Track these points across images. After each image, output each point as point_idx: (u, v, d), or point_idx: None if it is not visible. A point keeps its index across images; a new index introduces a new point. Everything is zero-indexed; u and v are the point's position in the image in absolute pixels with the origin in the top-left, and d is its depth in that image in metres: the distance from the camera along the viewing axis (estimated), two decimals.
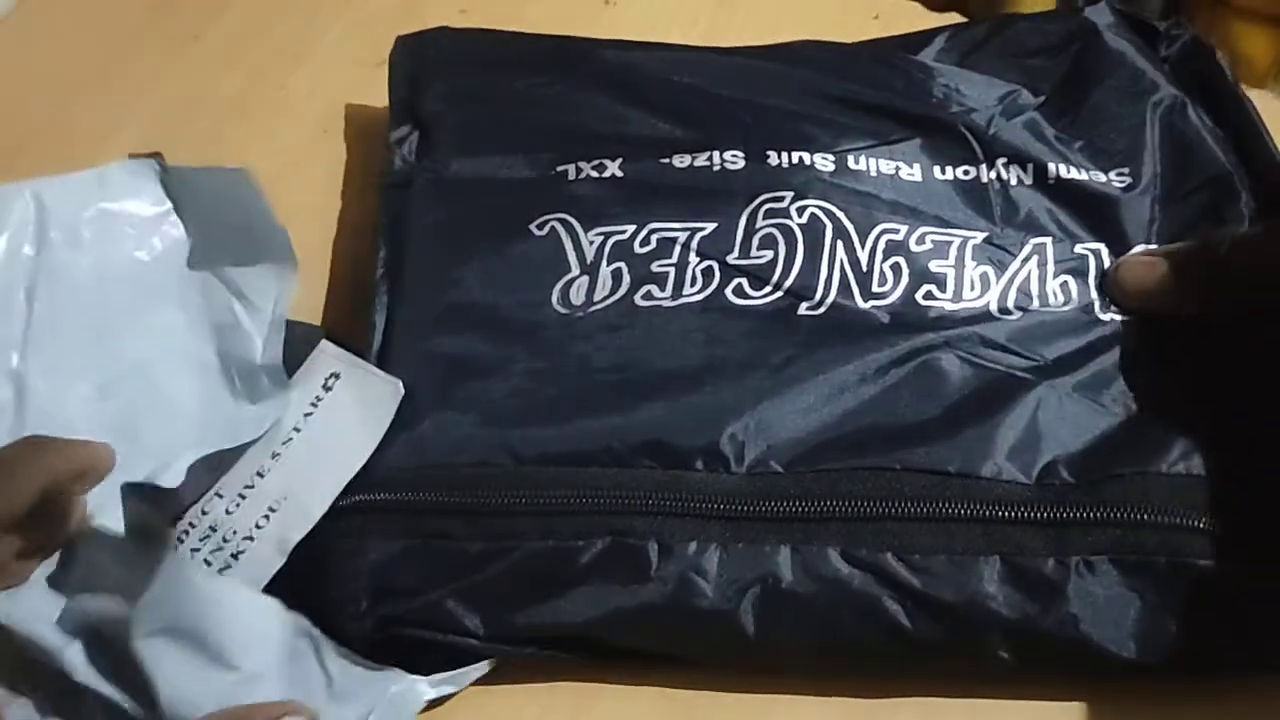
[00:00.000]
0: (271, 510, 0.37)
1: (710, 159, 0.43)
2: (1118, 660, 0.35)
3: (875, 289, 0.40)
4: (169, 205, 0.44)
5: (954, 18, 0.56)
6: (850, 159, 0.43)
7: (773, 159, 0.43)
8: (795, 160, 0.43)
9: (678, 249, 0.41)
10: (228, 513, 0.37)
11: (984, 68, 0.46)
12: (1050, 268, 0.41)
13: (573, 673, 0.37)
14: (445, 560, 0.36)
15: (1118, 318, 0.40)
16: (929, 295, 0.40)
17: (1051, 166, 0.43)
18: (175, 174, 0.44)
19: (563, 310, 0.40)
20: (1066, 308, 0.41)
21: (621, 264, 0.41)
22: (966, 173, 0.44)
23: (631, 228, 0.42)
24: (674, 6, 0.56)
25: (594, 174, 0.43)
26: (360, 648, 0.35)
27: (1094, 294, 0.41)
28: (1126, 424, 0.38)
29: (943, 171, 0.44)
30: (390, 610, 0.35)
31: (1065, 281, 0.41)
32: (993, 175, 0.43)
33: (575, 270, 0.41)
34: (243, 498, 0.38)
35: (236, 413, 0.40)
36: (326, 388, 0.39)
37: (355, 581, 0.35)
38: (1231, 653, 0.36)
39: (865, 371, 0.38)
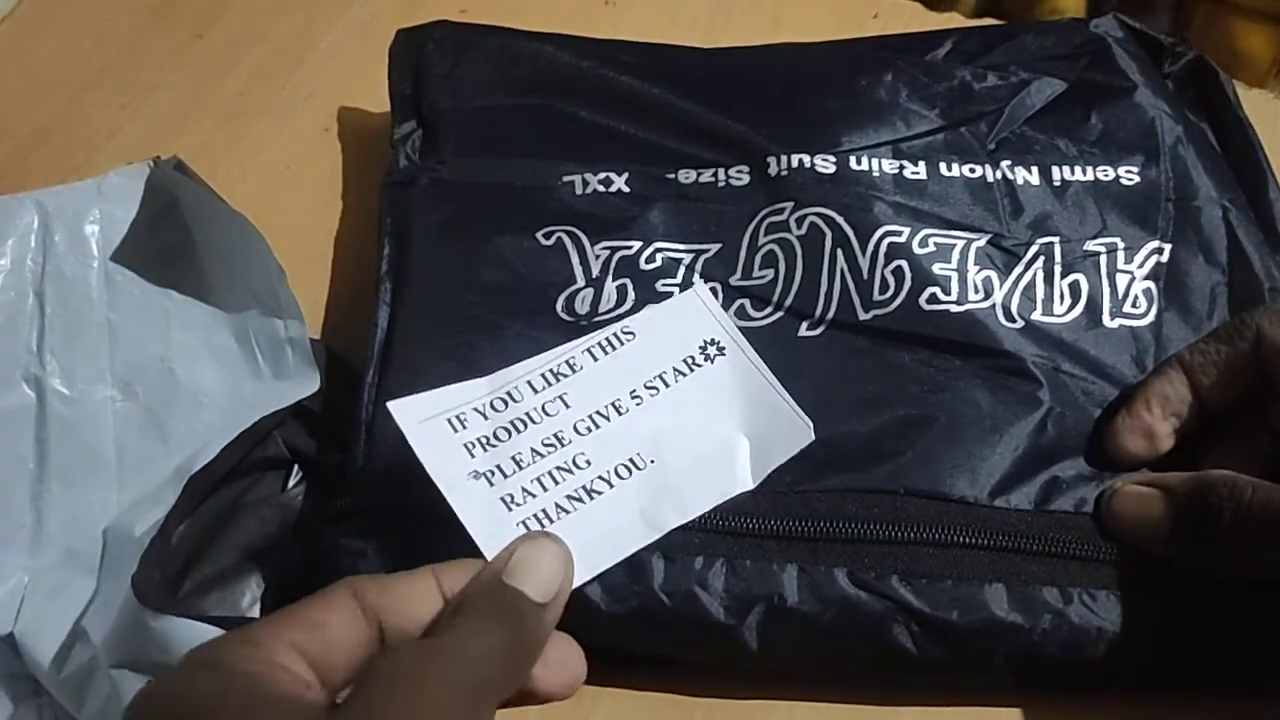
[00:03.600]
0: (634, 465, 0.36)
1: (716, 175, 0.43)
2: (1121, 683, 0.36)
3: (876, 297, 0.40)
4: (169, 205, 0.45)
5: (954, 18, 0.56)
6: (852, 160, 0.43)
7: (772, 167, 0.43)
8: (795, 164, 0.43)
9: (682, 269, 0.41)
10: (577, 430, 0.36)
11: (992, 72, 0.46)
12: (1058, 269, 0.41)
13: None
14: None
15: (1126, 323, 0.40)
16: (932, 299, 0.40)
17: (1057, 169, 0.43)
18: (166, 173, 0.45)
19: (567, 319, 0.40)
20: (1071, 314, 0.40)
21: (627, 280, 0.41)
22: (973, 170, 0.43)
23: (638, 244, 0.42)
24: (674, 6, 0.56)
25: (600, 188, 0.43)
26: None
27: (1104, 296, 0.41)
28: None
29: (949, 169, 0.43)
30: None
31: (1075, 282, 0.41)
32: (998, 175, 0.43)
33: (581, 281, 0.41)
34: (594, 424, 0.36)
35: (264, 391, 0.41)
36: (706, 355, 0.38)
37: None
38: (1233, 676, 0.36)
39: (864, 392, 0.38)
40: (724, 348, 0.38)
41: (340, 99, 0.53)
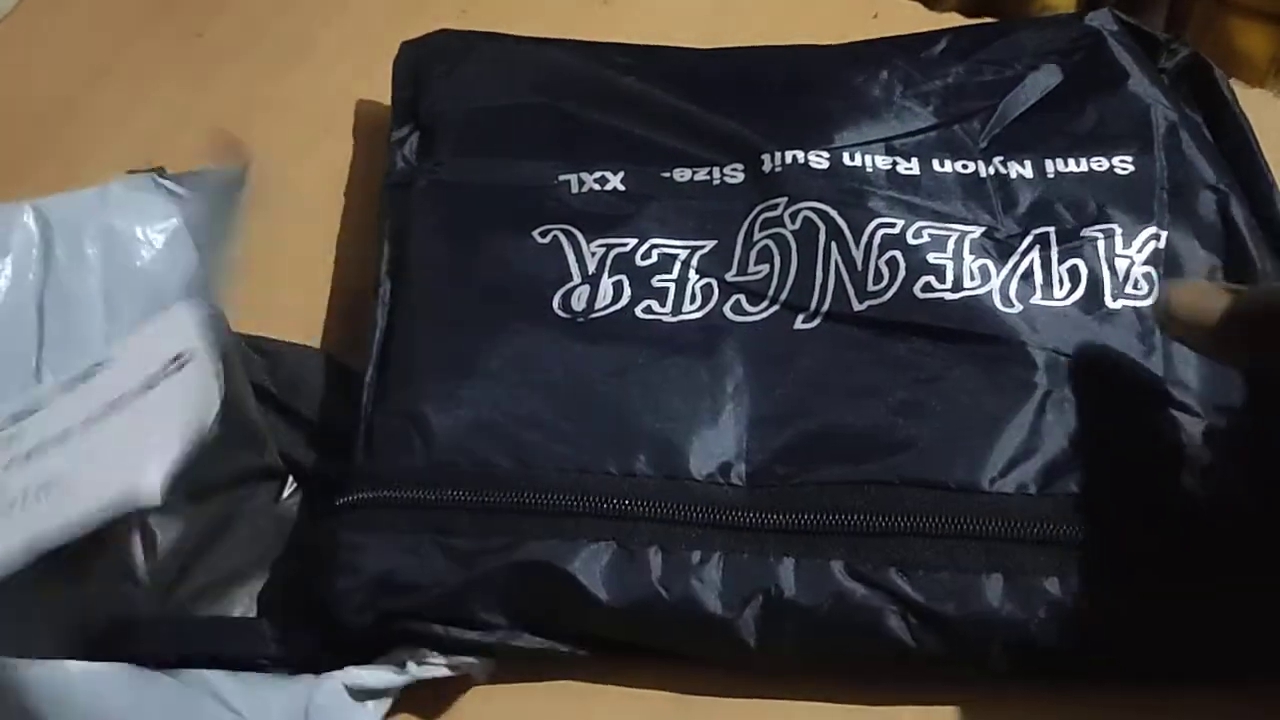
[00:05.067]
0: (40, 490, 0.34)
1: (711, 173, 0.44)
2: (1124, 672, 0.36)
3: (871, 287, 0.40)
4: (171, 219, 0.45)
5: (954, 18, 0.56)
6: (845, 155, 0.43)
7: (766, 163, 0.43)
8: (789, 160, 0.43)
9: (678, 265, 0.41)
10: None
11: (987, 68, 0.46)
12: (1054, 255, 0.41)
13: (574, 672, 0.38)
14: (447, 557, 0.36)
15: (1129, 304, 0.40)
16: (927, 288, 0.40)
17: (1050, 162, 0.43)
18: (178, 181, 0.45)
19: (564, 315, 0.40)
20: (1071, 298, 0.40)
21: (623, 276, 0.41)
22: (965, 167, 0.43)
23: (634, 241, 0.42)
24: (672, 6, 0.56)
25: (596, 186, 0.43)
26: (359, 641, 0.36)
27: (1104, 278, 0.40)
28: (1137, 424, 0.38)
29: (941, 165, 0.43)
30: (391, 605, 0.35)
31: (1074, 266, 0.41)
32: (991, 171, 0.43)
33: (577, 279, 0.41)
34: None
35: None
36: (179, 364, 0.36)
37: (357, 575, 0.35)
38: (1240, 662, 0.36)
39: (861, 383, 0.38)
40: (188, 356, 0.36)
41: (340, 99, 0.53)
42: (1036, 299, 0.40)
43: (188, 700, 0.33)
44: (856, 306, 0.40)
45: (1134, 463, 0.37)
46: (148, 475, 0.33)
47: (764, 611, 0.35)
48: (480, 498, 0.36)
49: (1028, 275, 0.40)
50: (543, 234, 0.42)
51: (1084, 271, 0.41)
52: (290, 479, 0.41)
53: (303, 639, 0.36)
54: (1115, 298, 0.40)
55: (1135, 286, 0.40)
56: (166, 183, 0.45)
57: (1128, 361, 0.39)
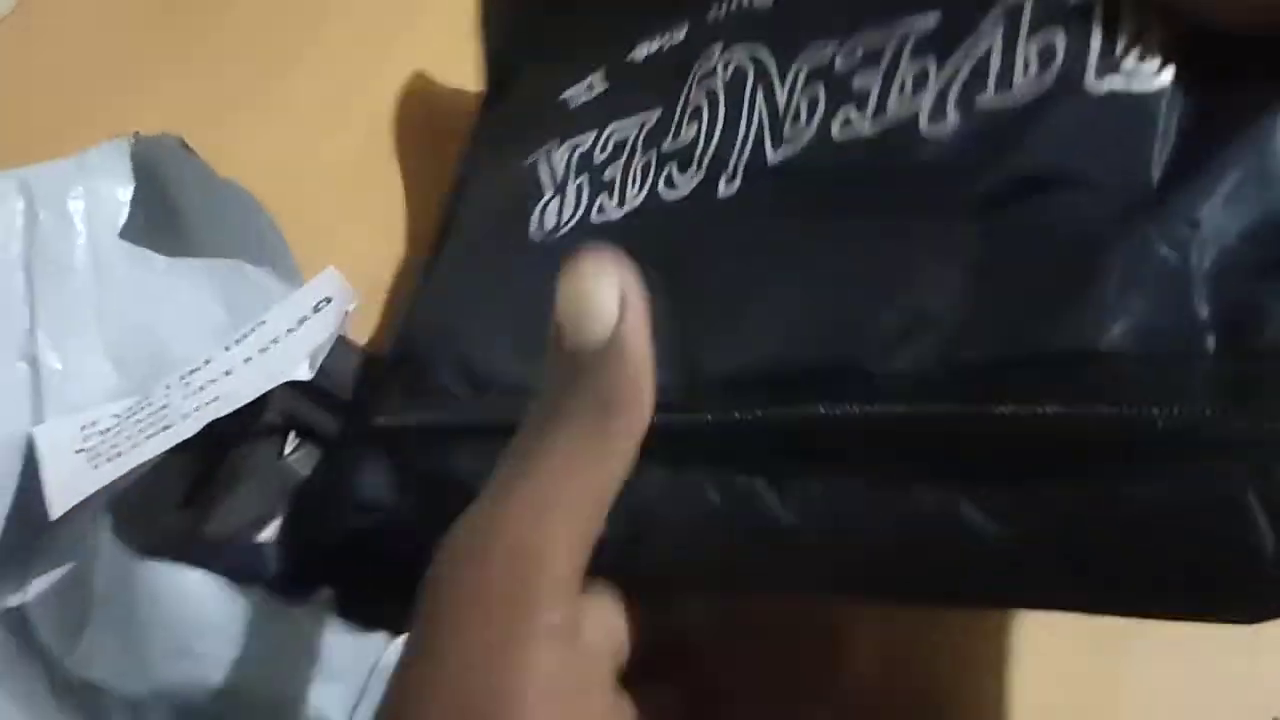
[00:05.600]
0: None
1: (663, 40, 0.39)
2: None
3: (787, 134, 0.32)
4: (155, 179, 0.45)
5: None
6: None
7: (711, 13, 0.37)
8: (733, 6, 0.36)
9: (627, 149, 0.37)
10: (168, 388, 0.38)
11: None
12: (1025, 28, 0.28)
13: None
14: (390, 476, 0.36)
15: (1122, 87, 0.26)
16: (845, 122, 0.31)
17: None
18: (150, 147, 0.45)
19: (537, 238, 0.39)
20: (1040, 82, 0.28)
21: (584, 177, 0.38)
22: None
23: (593, 135, 0.39)
24: None
25: (585, 96, 0.41)
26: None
27: (1091, 49, 0.27)
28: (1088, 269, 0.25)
29: None
30: (357, 523, 0.37)
31: (1049, 37, 0.28)
32: None
33: (549, 192, 0.39)
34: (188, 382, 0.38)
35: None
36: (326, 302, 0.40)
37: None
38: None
39: (771, 255, 0.32)
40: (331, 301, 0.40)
41: (348, 92, 0.53)
42: (987, 96, 0.29)
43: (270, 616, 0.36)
44: (770, 158, 0.33)
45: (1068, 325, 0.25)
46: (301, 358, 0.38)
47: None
48: (436, 420, 0.37)
49: (981, 65, 0.29)
50: (528, 155, 0.41)
51: (1061, 44, 0.28)
52: (292, 435, 0.42)
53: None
54: (1101, 74, 0.27)
55: (1137, 59, 0.27)
56: (137, 145, 0.46)
57: (1103, 174, 0.26)
